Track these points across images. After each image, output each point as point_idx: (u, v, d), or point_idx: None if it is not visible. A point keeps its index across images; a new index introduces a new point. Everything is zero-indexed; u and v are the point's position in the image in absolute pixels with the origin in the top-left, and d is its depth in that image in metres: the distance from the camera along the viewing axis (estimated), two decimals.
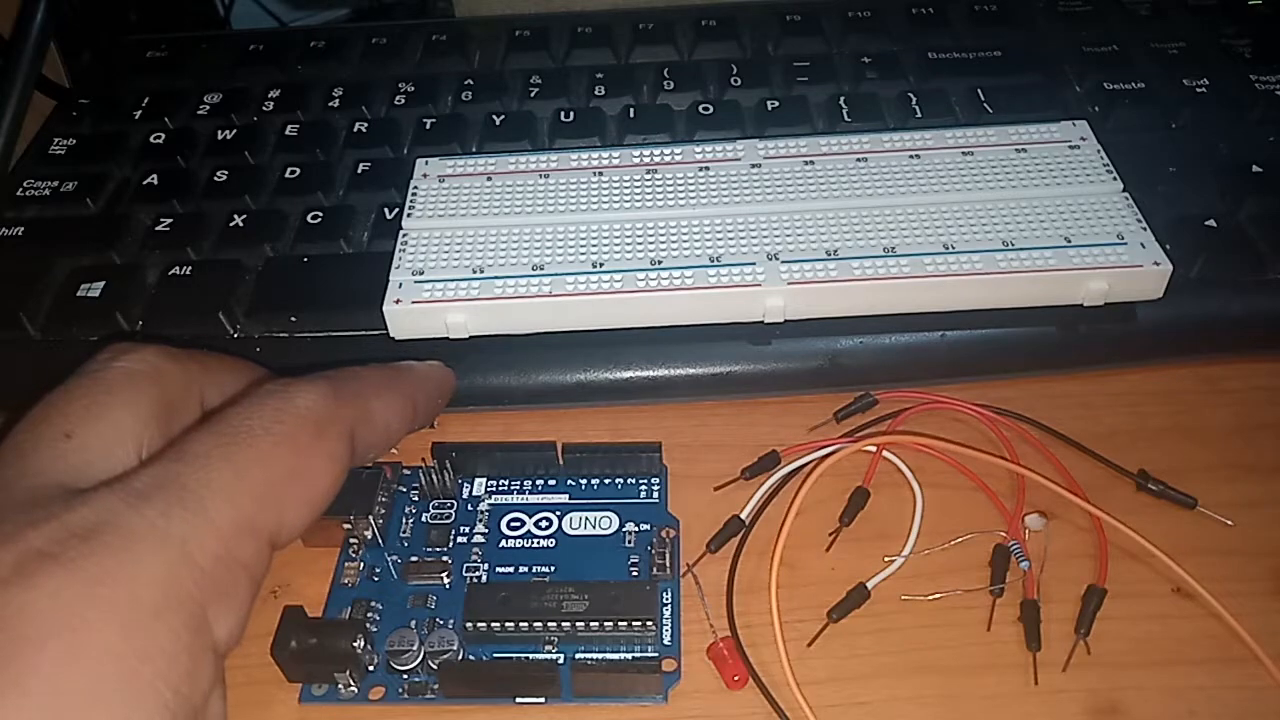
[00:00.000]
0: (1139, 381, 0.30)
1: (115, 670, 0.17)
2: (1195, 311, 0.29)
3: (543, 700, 0.23)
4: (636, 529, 0.26)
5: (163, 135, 0.37)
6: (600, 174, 0.32)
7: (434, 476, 0.27)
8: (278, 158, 0.36)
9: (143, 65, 0.41)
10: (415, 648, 0.24)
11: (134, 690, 0.17)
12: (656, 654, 0.24)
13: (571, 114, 0.37)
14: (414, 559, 0.26)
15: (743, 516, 0.27)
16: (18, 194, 0.35)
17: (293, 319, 0.30)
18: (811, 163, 0.32)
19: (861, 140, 0.32)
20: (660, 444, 0.28)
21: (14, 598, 0.17)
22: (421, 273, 0.29)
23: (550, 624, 0.24)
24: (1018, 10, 0.40)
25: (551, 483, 0.28)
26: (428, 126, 0.36)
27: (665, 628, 0.24)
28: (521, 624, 0.24)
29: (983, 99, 0.36)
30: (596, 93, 0.38)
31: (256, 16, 0.54)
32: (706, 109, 0.36)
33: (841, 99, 0.36)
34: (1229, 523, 0.26)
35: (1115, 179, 0.31)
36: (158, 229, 0.33)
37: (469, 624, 0.24)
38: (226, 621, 0.19)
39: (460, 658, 0.24)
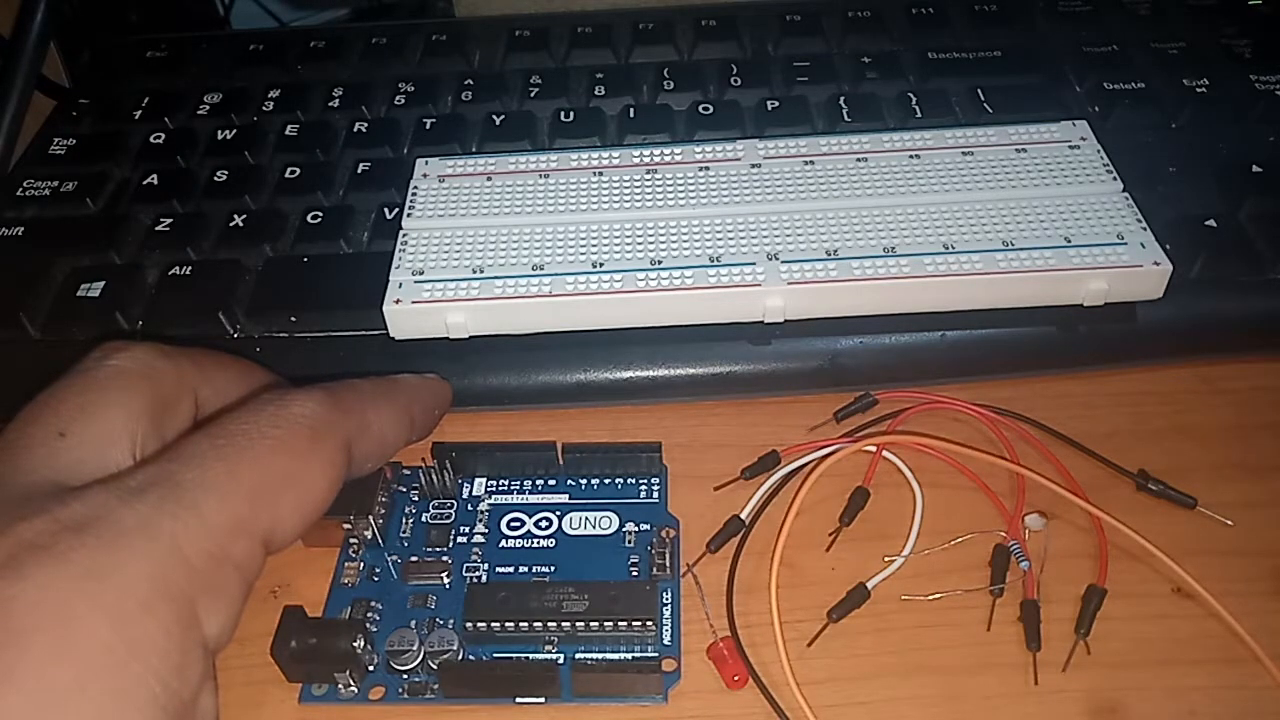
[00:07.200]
0: (1139, 381, 0.30)
1: (104, 662, 0.17)
2: (1195, 311, 0.29)
3: (543, 700, 0.23)
4: (636, 529, 0.26)
5: (163, 135, 0.37)
6: (600, 174, 0.32)
7: (434, 476, 0.27)
8: (278, 158, 0.36)
9: (143, 65, 0.41)
10: (415, 648, 0.24)
11: (123, 682, 0.17)
12: (656, 654, 0.24)
13: (571, 114, 0.37)
14: (414, 559, 0.26)
15: (743, 516, 0.27)
16: (18, 194, 0.35)
17: (293, 319, 0.30)
18: (811, 163, 0.32)
19: (861, 140, 0.32)
20: (660, 444, 0.28)
21: (4, 589, 0.17)
22: (421, 273, 0.29)
23: (550, 624, 0.24)
24: (1018, 10, 0.40)
25: (551, 483, 0.28)
26: (428, 126, 0.36)
27: (665, 628, 0.24)
28: (521, 624, 0.24)
29: (983, 99, 0.36)
30: (596, 93, 0.38)
31: (256, 16, 0.54)
32: (706, 109, 0.36)
33: (841, 99, 0.36)
34: (1229, 523, 0.26)
35: (1115, 179, 0.31)
36: (158, 229, 0.33)
37: (469, 624, 0.24)
38: (217, 619, 0.19)
39: (460, 658, 0.24)
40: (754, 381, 0.29)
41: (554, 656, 0.24)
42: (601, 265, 0.29)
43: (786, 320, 0.29)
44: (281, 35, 0.48)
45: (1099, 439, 0.28)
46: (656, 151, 0.32)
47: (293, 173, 0.35)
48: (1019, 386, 0.30)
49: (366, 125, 0.37)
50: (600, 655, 0.24)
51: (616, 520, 0.27)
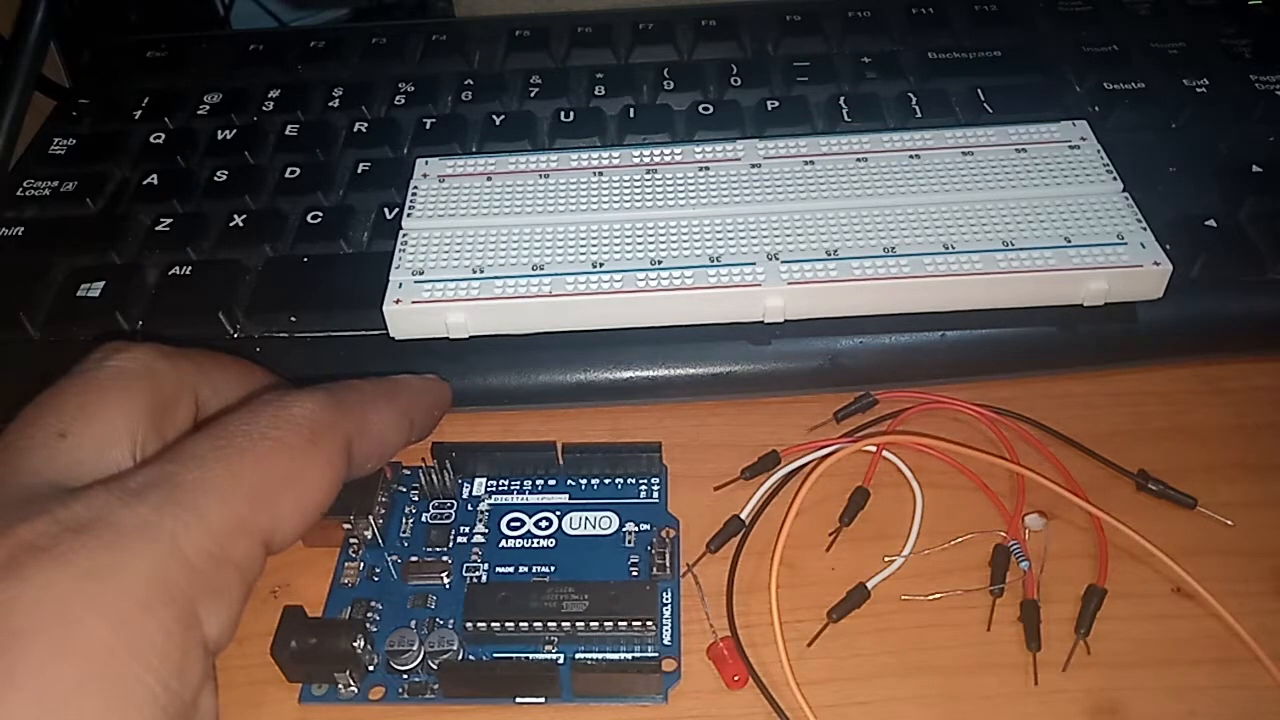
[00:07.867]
0: (1139, 381, 0.30)
1: (105, 663, 0.17)
2: (1195, 311, 0.29)
3: (543, 700, 0.23)
4: (636, 529, 0.26)
5: (163, 135, 0.37)
6: (600, 174, 0.32)
7: (434, 476, 0.27)
8: (278, 158, 0.36)
9: (143, 65, 0.41)
10: (415, 648, 0.24)
11: (123, 683, 0.17)
12: (656, 654, 0.24)
13: (571, 114, 0.37)
14: (414, 559, 0.26)
15: (743, 516, 0.27)
16: (18, 194, 0.35)
17: (293, 319, 0.30)
18: (811, 163, 0.32)
19: (861, 140, 0.32)
20: (660, 444, 0.28)
21: (4, 590, 0.17)
22: (421, 273, 0.29)
23: (550, 624, 0.24)
24: (1018, 10, 0.40)
25: (551, 483, 0.28)
26: (428, 126, 0.36)
27: (665, 628, 0.24)
28: (521, 624, 0.24)
29: (983, 99, 0.36)
30: (596, 93, 0.38)
31: (256, 16, 0.54)
32: (706, 109, 0.36)
33: (841, 99, 0.36)
34: (1229, 523, 0.26)
35: (1115, 179, 0.31)
36: (158, 229, 0.33)
37: (469, 624, 0.24)
38: (218, 619, 0.19)
39: (460, 658, 0.24)
40: (754, 381, 0.29)
41: (554, 656, 0.24)
42: (601, 265, 0.29)
43: (786, 320, 0.29)
44: (281, 35, 0.48)
45: (1099, 439, 0.28)
46: (656, 151, 0.32)
47: (293, 173, 0.35)
48: (1019, 386, 0.30)
49: (366, 125, 0.37)
50: (600, 655, 0.24)
51: (616, 520, 0.27)
